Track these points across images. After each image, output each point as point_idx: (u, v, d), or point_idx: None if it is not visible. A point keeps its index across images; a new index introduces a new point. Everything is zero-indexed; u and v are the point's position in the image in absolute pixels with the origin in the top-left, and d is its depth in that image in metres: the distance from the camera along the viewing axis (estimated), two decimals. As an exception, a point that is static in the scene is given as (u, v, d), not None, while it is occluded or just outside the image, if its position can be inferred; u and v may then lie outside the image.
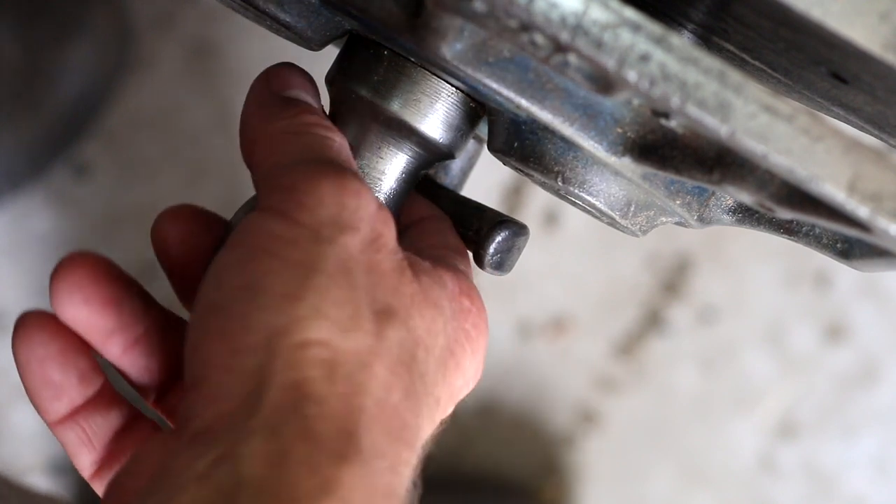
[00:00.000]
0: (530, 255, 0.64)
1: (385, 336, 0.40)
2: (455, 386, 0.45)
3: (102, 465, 0.45)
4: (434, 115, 0.48)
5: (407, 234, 0.49)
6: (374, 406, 0.39)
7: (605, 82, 0.38)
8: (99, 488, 0.45)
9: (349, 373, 0.38)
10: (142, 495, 0.39)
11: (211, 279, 0.40)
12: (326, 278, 0.39)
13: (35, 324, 0.43)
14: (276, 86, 0.46)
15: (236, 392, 0.38)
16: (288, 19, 0.48)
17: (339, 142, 0.45)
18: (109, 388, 0.46)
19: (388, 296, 0.41)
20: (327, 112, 0.50)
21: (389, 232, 0.43)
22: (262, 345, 0.38)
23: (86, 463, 0.45)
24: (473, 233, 0.50)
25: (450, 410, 0.45)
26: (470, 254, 0.50)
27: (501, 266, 0.50)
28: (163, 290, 0.48)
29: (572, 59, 0.37)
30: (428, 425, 0.42)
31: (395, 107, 0.47)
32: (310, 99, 0.47)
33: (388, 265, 0.42)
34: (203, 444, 0.37)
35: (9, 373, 1.00)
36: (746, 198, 0.42)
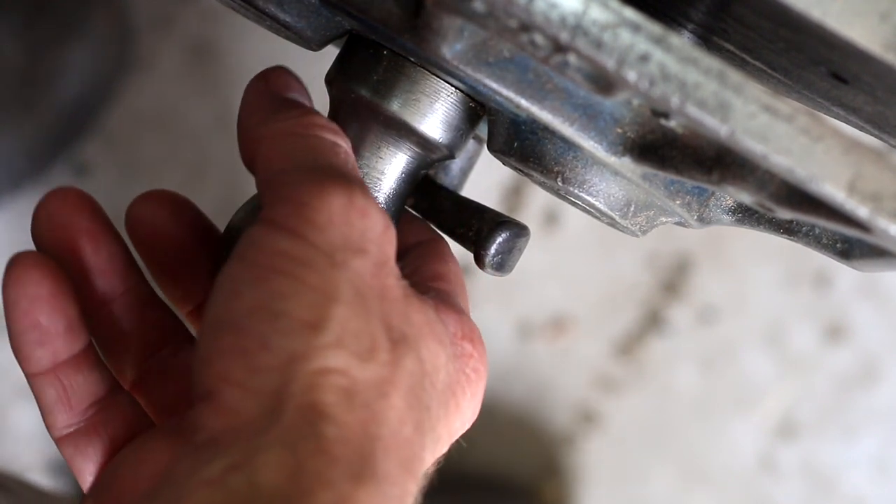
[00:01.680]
0: (530, 255, 0.64)
1: (400, 365, 0.40)
2: (454, 426, 0.44)
3: (76, 430, 0.45)
4: (434, 114, 0.48)
5: (408, 257, 0.49)
6: (389, 436, 0.39)
7: (604, 82, 0.38)
8: (66, 452, 0.45)
9: (366, 401, 0.38)
10: (145, 497, 0.39)
11: (223, 293, 0.40)
12: (345, 307, 0.39)
13: (29, 263, 0.43)
14: (275, 87, 0.45)
15: (252, 408, 0.38)
16: (288, 19, 0.48)
17: (346, 148, 0.44)
18: (94, 352, 0.46)
19: (401, 323, 0.41)
20: (327, 113, 0.50)
21: (393, 254, 0.42)
22: (281, 367, 0.38)
23: (59, 423, 0.45)
24: (474, 234, 0.50)
25: (444, 450, 0.45)
26: (470, 255, 0.50)
27: (502, 267, 0.50)
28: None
29: (572, 59, 0.37)
30: (429, 459, 0.42)
31: (395, 107, 0.47)
32: (307, 102, 0.46)
33: (398, 291, 0.41)
34: (214, 452, 0.37)
35: (9, 373, 1.00)
36: (746, 198, 0.42)
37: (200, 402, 0.39)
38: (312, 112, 0.44)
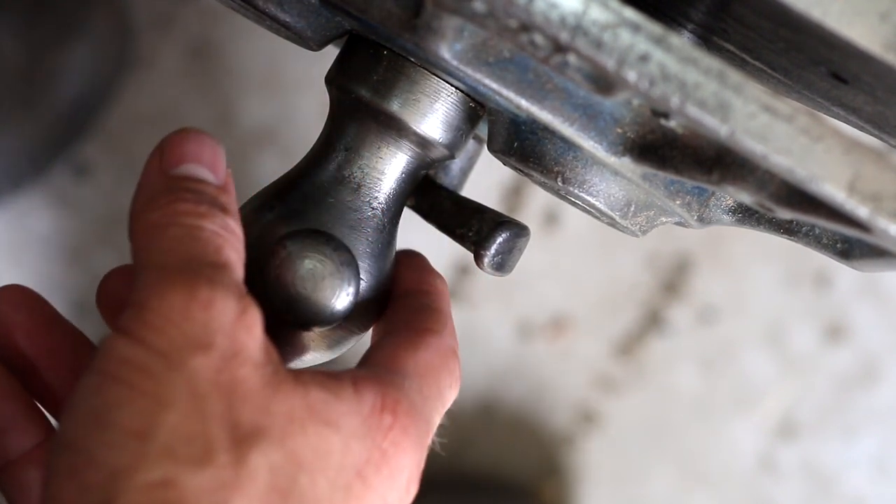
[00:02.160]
0: (530, 255, 0.64)
1: (247, 464, 0.37)
2: None
3: None
4: (434, 114, 0.48)
5: (388, 311, 0.48)
6: None
7: (604, 82, 0.38)
8: None
9: None
10: None
11: (68, 408, 0.38)
12: (176, 411, 0.37)
13: None
14: (167, 161, 0.42)
15: None
16: (288, 19, 0.48)
17: (212, 229, 0.40)
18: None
19: (254, 416, 0.38)
20: (327, 113, 0.50)
21: (253, 342, 0.39)
22: (105, 483, 0.36)
23: None
24: (474, 234, 0.50)
25: None
26: (470, 255, 0.50)
27: (502, 267, 0.50)
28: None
29: (572, 59, 0.37)
30: None
31: (395, 107, 0.47)
32: (201, 171, 0.42)
33: (254, 382, 0.39)
34: None
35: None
36: (746, 198, 0.42)
37: None
38: (183, 197, 0.41)
